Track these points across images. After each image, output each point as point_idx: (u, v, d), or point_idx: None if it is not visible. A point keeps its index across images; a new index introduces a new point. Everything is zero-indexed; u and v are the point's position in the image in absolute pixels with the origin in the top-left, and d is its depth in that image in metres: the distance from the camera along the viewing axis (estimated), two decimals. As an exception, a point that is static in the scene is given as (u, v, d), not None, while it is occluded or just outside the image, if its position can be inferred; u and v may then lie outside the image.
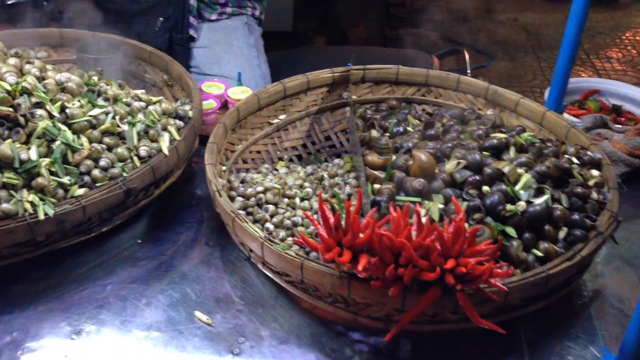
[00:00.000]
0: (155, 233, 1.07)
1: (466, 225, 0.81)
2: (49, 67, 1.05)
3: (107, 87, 1.06)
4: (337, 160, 1.19)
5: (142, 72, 1.38)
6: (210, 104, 1.31)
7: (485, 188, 0.85)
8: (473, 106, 1.23)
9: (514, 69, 3.36)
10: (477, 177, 0.86)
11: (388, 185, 0.90)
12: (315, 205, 1.03)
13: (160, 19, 1.71)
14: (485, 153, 0.94)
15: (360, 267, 0.71)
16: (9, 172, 0.91)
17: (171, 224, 1.09)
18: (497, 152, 0.96)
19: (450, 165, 0.89)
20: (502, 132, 1.03)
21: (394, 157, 0.96)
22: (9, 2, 1.73)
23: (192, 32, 1.73)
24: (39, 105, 0.96)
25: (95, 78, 1.08)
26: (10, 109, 0.93)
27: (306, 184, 1.08)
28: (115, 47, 1.34)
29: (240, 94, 1.35)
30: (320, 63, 2.00)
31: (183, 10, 1.72)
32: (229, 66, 1.73)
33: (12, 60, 1.01)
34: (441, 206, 0.84)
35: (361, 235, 0.74)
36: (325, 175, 1.12)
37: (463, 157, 0.90)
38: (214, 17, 1.76)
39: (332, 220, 0.76)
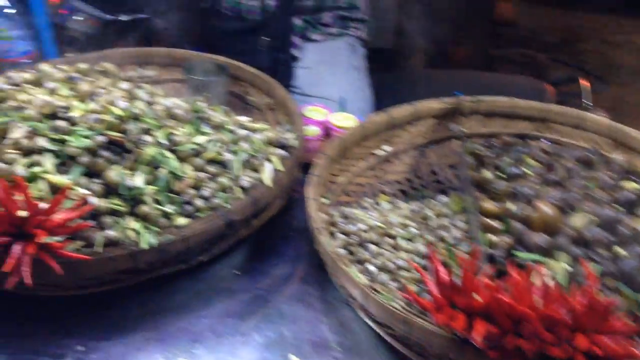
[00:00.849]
0: (252, 264, 1.04)
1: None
2: (158, 91, 1.05)
3: (213, 113, 1.05)
4: (443, 198, 1.12)
5: (245, 93, 1.37)
6: (313, 131, 1.27)
7: (620, 250, 0.77)
8: (597, 146, 1.13)
9: (629, 94, 3.16)
10: (611, 237, 0.78)
11: (505, 238, 0.83)
12: (421, 247, 0.97)
13: (264, 38, 1.70)
14: (617, 207, 0.85)
15: (478, 337, 0.64)
16: (115, 198, 0.90)
17: (268, 256, 1.06)
18: (631, 206, 0.86)
19: (579, 222, 0.81)
20: (634, 181, 0.94)
21: (511, 205, 0.89)
22: (121, 19, 1.78)
23: (295, 52, 1.71)
24: (147, 131, 0.96)
25: (202, 104, 1.06)
26: (120, 135, 0.93)
27: (410, 223, 1.02)
28: (221, 69, 1.34)
29: (343, 120, 1.31)
30: (422, 88, 1.94)
31: (287, 30, 1.71)
32: (331, 88, 1.70)
33: (125, 85, 1.02)
34: (567, 268, 0.76)
35: (478, 298, 0.68)
36: (431, 215, 1.05)
37: (593, 212, 0.82)
38: (318, 37, 1.74)
39: (445, 277, 0.70)
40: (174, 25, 1.71)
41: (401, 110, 1.18)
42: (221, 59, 1.38)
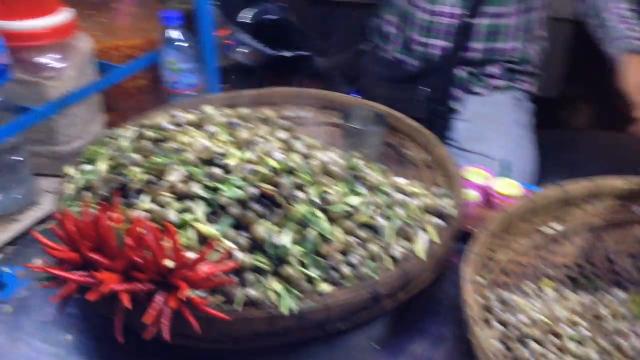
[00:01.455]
0: (392, 339, 0.96)
1: None
2: (316, 142, 1.00)
3: (370, 172, 0.98)
4: (620, 293, 0.97)
5: (402, 146, 1.29)
6: (472, 196, 1.17)
7: None
8: None
9: None
10: None
11: None
12: (593, 355, 0.83)
13: (423, 88, 1.63)
14: None
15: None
16: (260, 254, 0.86)
17: (410, 332, 0.97)
18: None
19: None
20: None
21: None
22: (283, 55, 1.78)
23: (455, 104, 1.62)
24: (300, 187, 0.91)
25: (359, 160, 1.00)
26: (272, 188, 0.89)
27: (580, 321, 0.89)
28: (379, 118, 1.28)
29: (506, 187, 1.19)
30: (592, 154, 1.76)
31: (448, 80, 1.62)
32: (493, 145, 1.58)
33: (282, 134, 0.98)
34: None
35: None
36: (606, 314, 0.91)
37: None
38: (482, 90, 1.63)
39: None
40: (334, 65, 1.69)
41: (577, 186, 1.05)
42: (380, 107, 1.32)
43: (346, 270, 0.88)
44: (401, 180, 1.02)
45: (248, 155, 0.91)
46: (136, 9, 1.35)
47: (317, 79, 1.76)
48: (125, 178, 0.92)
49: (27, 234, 1.20)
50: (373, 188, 0.96)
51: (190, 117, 0.97)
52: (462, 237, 1.00)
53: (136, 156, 0.94)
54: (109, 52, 1.37)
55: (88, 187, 0.99)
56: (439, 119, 1.59)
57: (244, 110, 1.00)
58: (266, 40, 1.78)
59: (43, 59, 1.19)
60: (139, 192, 0.91)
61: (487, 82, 1.61)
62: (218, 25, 1.91)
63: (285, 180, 0.89)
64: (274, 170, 0.90)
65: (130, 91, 1.41)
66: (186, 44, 1.36)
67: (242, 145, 0.92)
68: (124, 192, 0.92)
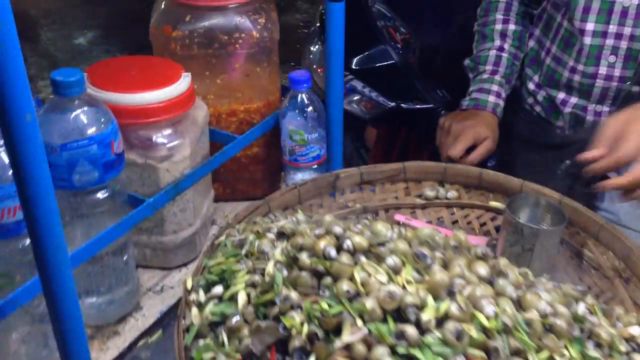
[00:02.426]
0: None
1: None
2: (521, 278, 0.76)
3: (597, 321, 0.74)
4: None
5: (581, 245, 1.05)
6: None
7: None
8: None
9: None
10: None
11: None
12: None
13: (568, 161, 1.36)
14: None
15: None
16: None
17: None
18: None
19: None
20: None
21: None
22: (404, 107, 1.55)
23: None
24: (519, 353, 0.67)
25: (583, 308, 0.76)
26: (485, 357, 0.65)
27: None
28: (556, 212, 1.03)
29: None
30: None
31: None
32: None
33: (482, 270, 0.74)
34: None
35: None
36: None
37: None
38: None
39: None
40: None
41: None
42: (555, 196, 1.07)
43: None
44: (637, 331, 0.77)
45: (449, 307, 0.67)
46: (252, 66, 1.13)
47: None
48: (284, 330, 0.70)
49: (131, 349, 1.00)
50: (603, 346, 0.72)
51: (358, 239, 0.75)
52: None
53: (294, 295, 0.72)
54: (224, 118, 1.16)
55: (219, 323, 0.78)
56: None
57: (426, 231, 0.77)
58: (383, 91, 1.55)
59: (156, 137, 0.99)
60: (302, 350, 0.69)
61: None
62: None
63: (500, 345, 0.66)
64: (484, 330, 0.67)
65: (241, 160, 1.20)
66: (314, 111, 1.14)
67: (436, 289, 0.69)
68: (276, 345, 0.70)
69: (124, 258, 0.98)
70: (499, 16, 1.44)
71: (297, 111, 1.14)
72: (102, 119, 0.84)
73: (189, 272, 1.11)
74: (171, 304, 1.06)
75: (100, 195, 0.88)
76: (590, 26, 1.26)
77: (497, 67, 1.42)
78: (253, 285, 0.79)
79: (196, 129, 1.04)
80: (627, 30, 1.24)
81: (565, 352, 0.69)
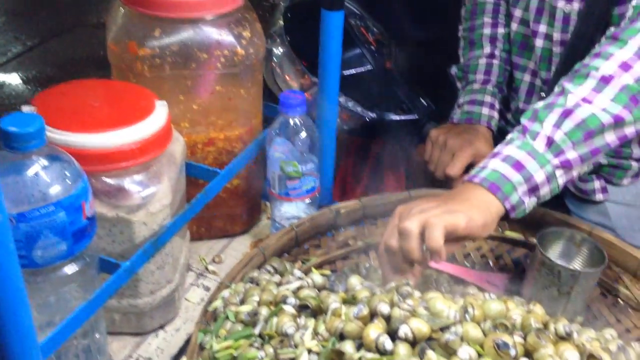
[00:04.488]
0: None
1: None
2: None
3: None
4: None
5: (615, 281, 0.94)
6: None
7: None
8: None
9: None
10: None
11: None
12: None
13: None
14: None
15: None
16: None
17: None
18: None
19: None
20: None
21: None
22: (387, 118, 1.41)
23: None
24: None
25: None
26: None
27: None
28: (589, 248, 0.92)
29: None
30: None
31: None
32: None
33: (571, 354, 0.60)
34: None
35: None
36: None
37: None
38: (625, 182, 1.27)
39: None
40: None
41: None
42: (582, 225, 0.96)
43: None
44: None
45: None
46: (235, 88, 0.95)
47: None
48: None
49: None
50: None
51: (417, 324, 0.59)
52: None
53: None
54: (200, 149, 0.98)
55: None
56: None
57: (496, 307, 0.63)
58: (362, 101, 1.40)
59: (128, 184, 0.80)
60: None
61: (631, 167, 1.24)
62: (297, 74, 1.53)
63: None
64: None
65: (220, 195, 1.02)
66: (308, 139, 0.97)
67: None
68: None
69: (95, 335, 0.79)
70: (487, 19, 1.32)
71: (287, 138, 0.97)
72: (69, 175, 0.65)
73: (168, 338, 0.93)
74: (151, 381, 0.88)
75: (69, 270, 0.68)
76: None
77: (489, 75, 1.30)
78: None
79: (174, 169, 0.86)
80: None
81: None
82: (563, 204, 1.27)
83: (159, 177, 0.83)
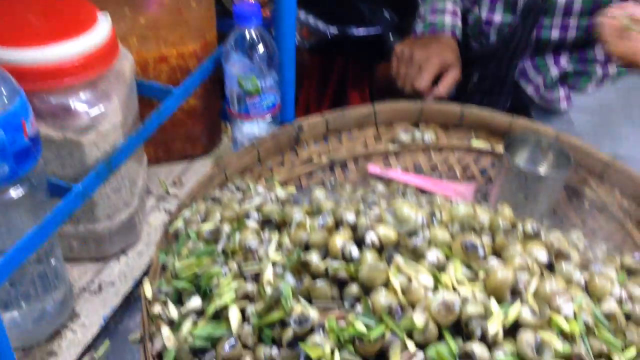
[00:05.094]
0: None
1: None
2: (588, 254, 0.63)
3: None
4: None
5: (582, 184, 0.94)
6: None
7: None
8: None
9: None
10: None
11: None
12: None
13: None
14: None
15: None
16: None
17: None
18: None
19: None
20: None
21: None
22: (350, 34, 1.36)
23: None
24: (601, 356, 0.55)
25: None
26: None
27: None
28: (556, 153, 0.91)
29: None
30: None
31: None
32: (626, 143, 1.24)
33: (541, 254, 0.59)
34: None
35: None
36: None
37: None
38: (589, 89, 1.26)
39: None
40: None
41: None
42: (548, 132, 0.95)
43: None
44: None
45: (520, 312, 0.53)
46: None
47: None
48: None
49: (75, 375, 0.79)
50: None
51: (384, 231, 0.57)
52: None
53: (314, 314, 0.55)
54: (152, 67, 0.92)
55: (204, 349, 0.60)
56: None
57: (464, 209, 0.61)
58: (322, 15, 1.34)
59: (74, 103, 0.75)
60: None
61: (596, 72, 1.23)
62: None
63: (584, 351, 0.53)
64: (564, 335, 0.53)
65: (177, 116, 0.98)
66: (266, 52, 0.93)
67: (499, 290, 0.54)
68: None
69: (51, 260, 0.75)
70: None
71: (244, 53, 0.92)
72: (5, 92, 0.60)
73: (131, 263, 0.90)
74: (115, 305, 0.85)
75: (15, 194, 0.64)
76: None
77: None
78: (247, 297, 0.60)
79: (123, 87, 0.81)
80: None
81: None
82: (529, 116, 1.26)
83: (108, 96, 0.78)
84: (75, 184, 0.72)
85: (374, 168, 0.99)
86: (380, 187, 0.94)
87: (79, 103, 0.75)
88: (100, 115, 0.77)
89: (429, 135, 1.02)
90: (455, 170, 1.02)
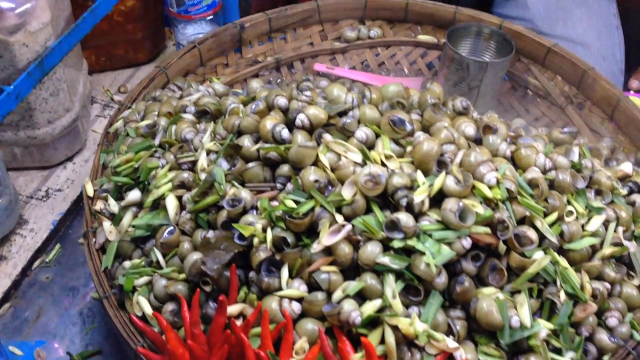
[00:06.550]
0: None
1: None
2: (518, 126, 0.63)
3: (595, 168, 0.64)
4: None
5: (524, 72, 0.95)
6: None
7: None
8: None
9: None
10: None
11: None
12: None
13: None
14: None
15: None
16: (487, 343, 0.54)
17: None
18: None
19: None
20: None
21: None
22: None
23: None
24: (527, 220, 0.57)
25: (577, 151, 0.65)
26: (488, 233, 0.55)
27: None
28: (500, 41, 0.91)
29: None
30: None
31: None
32: (579, 27, 1.23)
33: (469, 127, 0.60)
34: None
35: None
36: None
37: None
38: None
39: None
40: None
41: None
42: (494, 20, 0.94)
43: (604, 337, 0.58)
44: (629, 168, 0.68)
45: (444, 182, 0.54)
46: None
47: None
48: (241, 240, 0.54)
49: (26, 273, 0.80)
50: (604, 192, 0.63)
51: (313, 111, 0.57)
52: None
53: (246, 194, 0.56)
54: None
55: (145, 238, 0.61)
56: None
57: (393, 89, 0.61)
58: None
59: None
60: (270, 262, 0.54)
61: None
62: None
63: (506, 216, 0.55)
64: (488, 202, 0.55)
65: (115, 19, 0.95)
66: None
67: (425, 162, 0.55)
68: (234, 260, 0.55)
69: (-10, 168, 0.75)
70: None
71: (180, -54, 0.89)
72: None
73: (77, 169, 0.90)
74: (64, 210, 0.86)
75: (-62, 94, 0.63)
76: None
77: None
78: (183, 185, 0.61)
79: (51, -18, 0.78)
80: None
81: (571, 208, 0.59)
82: (492, 3, 1.24)
83: (34, -8, 0.75)
84: (6, 85, 0.71)
85: (320, 66, 0.98)
86: (324, 83, 0.94)
87: (4, 1, 0.72)
88: (27, 14, 0.74)
89: (375, 31, 1.00)
90: (403, 66, 1.01)
